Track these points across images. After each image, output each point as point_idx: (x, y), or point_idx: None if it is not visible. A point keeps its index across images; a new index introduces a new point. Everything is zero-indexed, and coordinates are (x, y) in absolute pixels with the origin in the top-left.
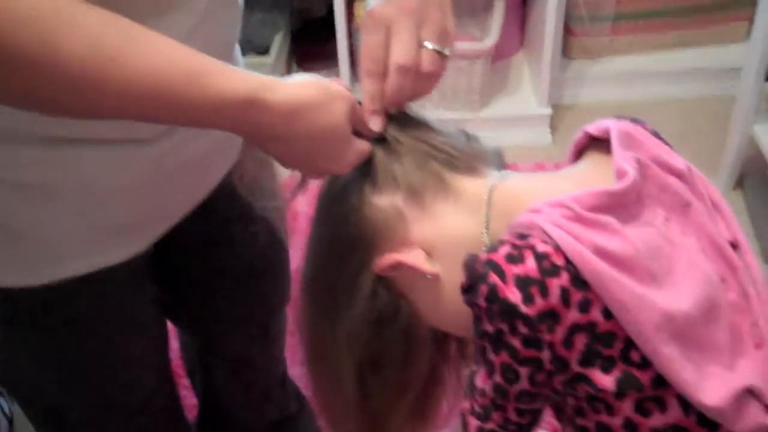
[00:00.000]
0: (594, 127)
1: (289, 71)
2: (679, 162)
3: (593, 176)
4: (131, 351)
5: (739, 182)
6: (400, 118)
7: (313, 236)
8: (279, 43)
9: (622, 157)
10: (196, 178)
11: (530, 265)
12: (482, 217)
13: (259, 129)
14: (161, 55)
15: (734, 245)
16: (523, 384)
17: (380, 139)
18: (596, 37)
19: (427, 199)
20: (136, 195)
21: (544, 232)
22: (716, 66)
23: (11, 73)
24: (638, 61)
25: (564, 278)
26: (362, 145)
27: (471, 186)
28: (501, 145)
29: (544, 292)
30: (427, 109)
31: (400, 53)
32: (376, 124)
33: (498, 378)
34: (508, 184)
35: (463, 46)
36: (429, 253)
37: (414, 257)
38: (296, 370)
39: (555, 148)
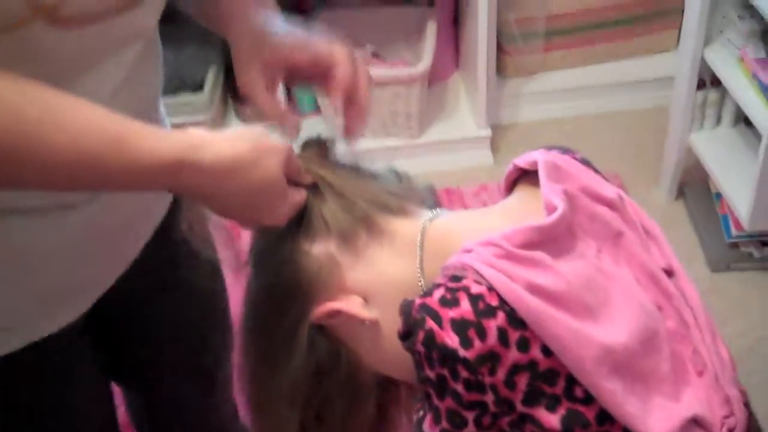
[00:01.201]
0: (523, 160)
1: (225, 106)
2: (609, 191)
3: (524, 210)
4: (76, 415)
5: (681, 192)
6: (329, 163)
7: (249, 287)
8: (212, 78)
9: (550, 190)
10: (129, 236)
11: (465, 307)
12: (416, 259)
13: (189, 189)
14: (82, 122)
15: (669, 272)
16: (470, 428)
17: (312, 186)
18: (529, 55)
19: (360, 244)
20: (70, 260)
21: (477, 272)
22: (650, 76)
23: None
24: (572, 75)
25: (500, 318)
26: (297, 196)
27: (403, 228)
28: (443, 169)
29: (482, 334)
30: (365, 137)
31: None
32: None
33: (445, 424)
34: (440, 224)
35: (397, 71)
36: (366, 299)
37: (350, 304)
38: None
39: (497, 168)
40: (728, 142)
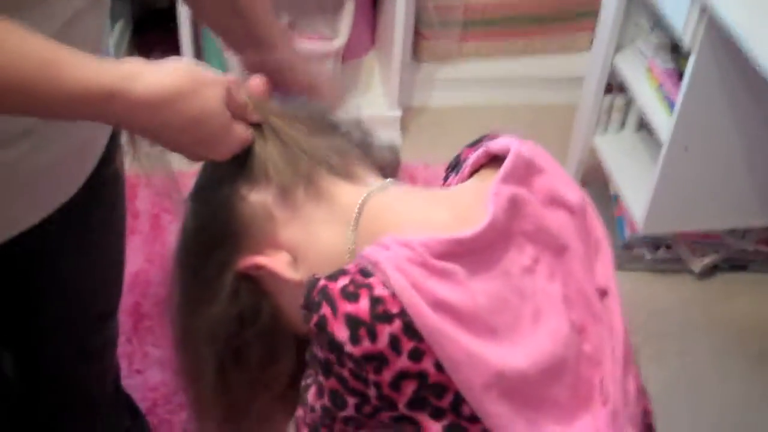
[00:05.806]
0: (498, 145)
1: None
2: (574, 195)
3: (475, 203)
4: None
5: None
6: (284, 107)
7: (184, 222)
8: (119, 32)
9: (495, 194)
10: (53, 185)
11: (363, 306)
12: (350, 231)
13: (122, 121)
14: (13, 43)
15: (604, 292)
16: (350, 411)
17: (259, 128)
18: (446, 41)
19: (299, 202)
20: None
21: (386, 274)
22: (561, 75)
23: None
24: (486, 66)
25: (396, 326)
26: (243, 133)
27: (344, 194)
28: None
29: (372, 336)
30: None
31: None
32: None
33: (326, 401)
34: (381, 200)
35: (312, 45)
36: (295, 258)
37: (276, 262)
38: (131, 381)
39: (405, 149)
40: (630, 147)
